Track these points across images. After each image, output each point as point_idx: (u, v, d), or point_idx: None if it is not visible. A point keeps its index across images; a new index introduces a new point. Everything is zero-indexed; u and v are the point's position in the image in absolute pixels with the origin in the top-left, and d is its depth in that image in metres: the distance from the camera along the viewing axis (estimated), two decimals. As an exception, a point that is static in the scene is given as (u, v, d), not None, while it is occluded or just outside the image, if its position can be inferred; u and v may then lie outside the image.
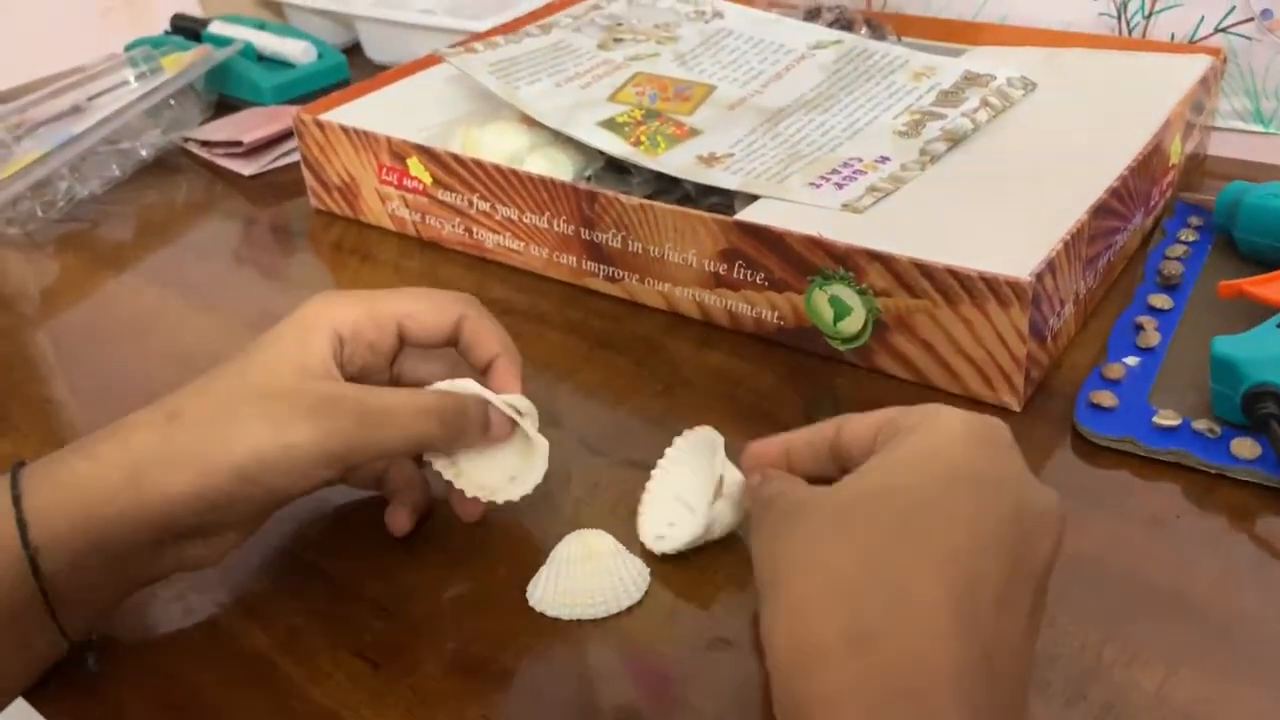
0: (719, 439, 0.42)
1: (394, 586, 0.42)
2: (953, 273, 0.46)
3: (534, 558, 0.42)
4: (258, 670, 0.39)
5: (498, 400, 0.41)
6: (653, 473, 0.44)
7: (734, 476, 0.43)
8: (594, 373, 0.53)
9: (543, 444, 0.42)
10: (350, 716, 0.37)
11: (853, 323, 0.50)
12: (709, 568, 0.42)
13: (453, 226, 0.63)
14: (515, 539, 0.44)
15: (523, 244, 0.61)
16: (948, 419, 0.34)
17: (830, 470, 0.37)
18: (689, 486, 0.43)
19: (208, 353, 0.57)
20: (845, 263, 0.49)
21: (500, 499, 0.41)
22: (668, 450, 0.44)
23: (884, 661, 0.28)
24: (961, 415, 0.34)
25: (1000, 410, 0.48)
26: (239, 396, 0.37)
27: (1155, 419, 0.45)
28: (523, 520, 0.45)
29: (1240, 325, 0.48)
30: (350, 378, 0.40)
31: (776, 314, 0.53)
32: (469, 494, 0.41)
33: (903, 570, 0.29)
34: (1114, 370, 0.48)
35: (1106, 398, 0.46)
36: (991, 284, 0.46)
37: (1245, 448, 0.43)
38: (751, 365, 0.53)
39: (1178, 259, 0.56)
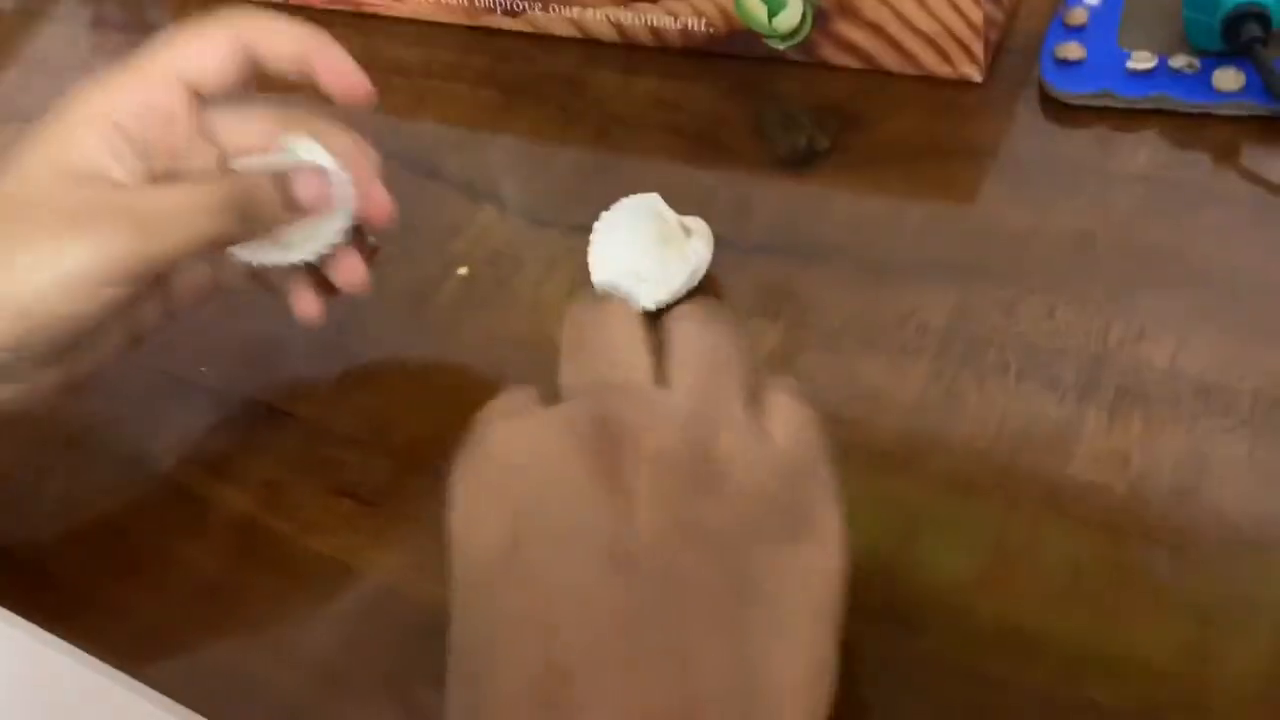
0: (651, 197, 0.39)
1: (364, 417, 0.39)
2: (893, -59, 0.41)
3: (502, 352, 0.40)
4: (246, 534, 0.37)
5: (304, 152, 0.36)
6: (589, 248, 0.40)
7: (691, 222, 0.40)
8: (517, 128, 0.48)
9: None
10: (356, 561, 0.35)
11: (789, 16, 0.45)
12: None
13: (320, -15, 0.56)
14: (480, 334, 0.41)
15: (404, -9, 0.54)
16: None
17: None
18: (628, 256, 0.39)
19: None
20: (770, -50, 0.43)
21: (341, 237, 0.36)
22: (594, 228, 0.40)
23: None
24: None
25: (962, 84, 0.44)
26: None
27: (1129, 64, 0.41)
28: (483, 313, 0.41)
29: (1207, -65, 0.43)
30: (163, 170, 0.34)
31: (704, 21, 0.47)
32: (312, 257, 0.36)
33: None
34: (1076, 15, 0.44)
35: (1073, 49, 0.42)
36: (938, -53, 0.40)
37: (1229, 79, 0.40)
38: (687, 85, 0.48)
39: None
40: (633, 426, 0.25)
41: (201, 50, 0.35)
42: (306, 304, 0.38)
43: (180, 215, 0.33)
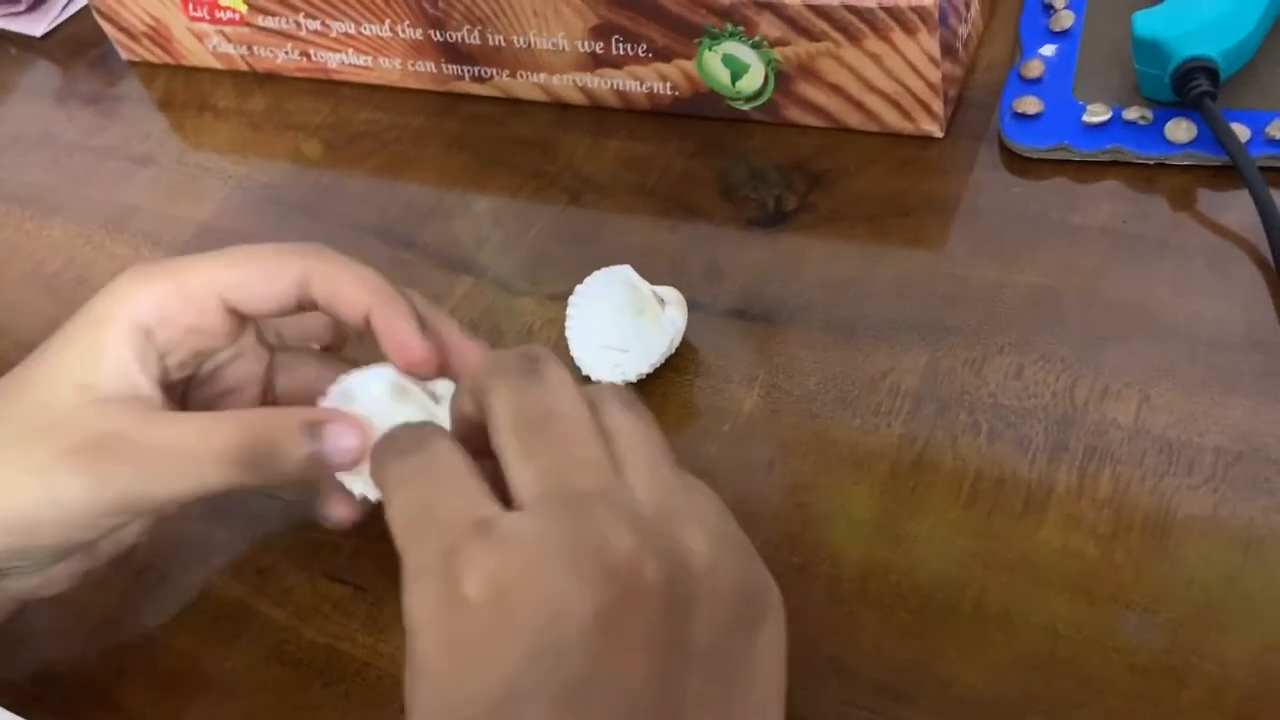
0: (624, 269, 0.40)
1: (353, 500, 0.40)
2: (850, 8, 0.42)
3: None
4: (241, 621, 0.37)
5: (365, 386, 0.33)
6: (566, 324, 0.41)
7: (664, 291, 0.40)
8: (490, 193, 0.49)
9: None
10: (350, 648, 0.36)
11: (752, 80, 0.46)
12: (669, 393, 0.40)
13: (287, 53, 0.56)
14: (461, 410, 0.42)
15: (370, 58, 0.54)
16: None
17: None
18: (607, 330, 0.40)
19: (74, 273, 0.52)
20: (731, 17, 0.44)
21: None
22: (570, 303, 0.41)
23: None
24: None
25: (924, 139, 0.45)
26: (1, 433, 0.31)
27: (1085, 116, 0.43)
28: (462, 387, 0.42)
29: (1155, -16, 0.45)
30: (177, 371, 0.33)
31: (669, 85, 0.48)
32: (361, 492, 0.33)
33: None
34: (1032, 68, 0.45)
35: (1030, 104, 0.44)
36: (894, 12, 0.41)
37: (1180, 130, 0.41)
38: (655, 146, 0.49)
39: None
40: (627, 557, 0.24)
41: (256, 279, 0.33)
42: (341, 509, 0.34)
43: (186, 461, 0.31)
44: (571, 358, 0.40)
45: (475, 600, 0.24)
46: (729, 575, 0.25)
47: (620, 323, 0.40)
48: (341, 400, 0.33)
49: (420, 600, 0.25)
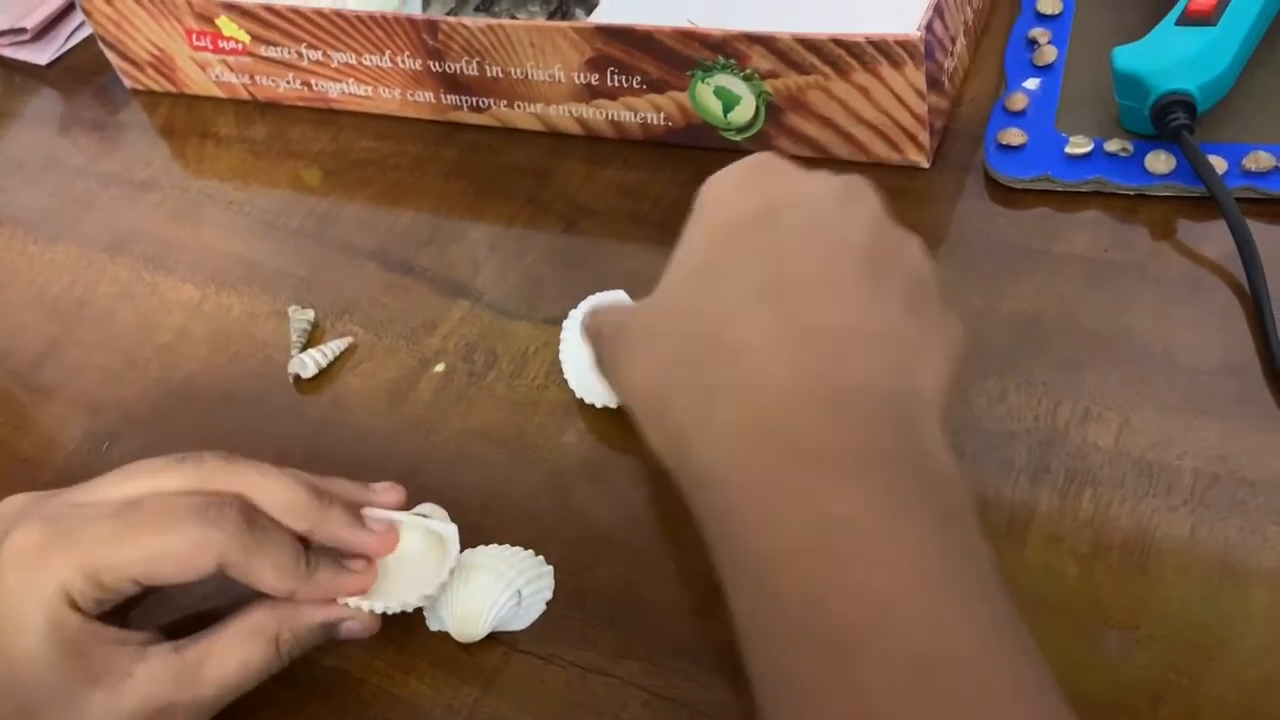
0: (617, 294, 0.41)
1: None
2: (839, 42, 0.43)
3: (480, 449, 0.41)
4: (240, 640, 0.38)
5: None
6: (560, 346, 0.42)
7: None
8: (487, 220, 0.50)
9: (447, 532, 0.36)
10: (362, 672, 0.36)
11: (743, 111, 0.47)
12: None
13: (288, 82, 0.57)
14: (458, 431, 0.42)
15: (370, 88, 0.55)
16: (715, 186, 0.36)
17: None
18: None
19: (75, 295, 0.53)
20: (724, 50, 0.45)
21: (433, 589, 0.36)
22: (564, 327, 0.42)
23: (728, 417, 0.28)
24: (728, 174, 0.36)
25: (911, 169, 0.46)
26: None
27: (1067, 149, 0.44)
28: (460, 408, 0.43)
29: (1134, 17, 0.46)
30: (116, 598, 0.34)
31: (662, 116, 0.49)
32: (391, 611, 0.35)
33: (716, 319, 0.30)
34: (1017, 101, 0.46)
35: (1015, 135, 0.45)
36: (881, 47, 0.43)
37: (1160, 162, 0.42)
38: (648, 175, 0.50)
39: (1058, -51, 0.53)
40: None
41: (172, 570, 0.33)
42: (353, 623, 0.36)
43: (213, 652, 0.34)
44: (565, 379, 0.41)
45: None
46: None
47: None
48: None
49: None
